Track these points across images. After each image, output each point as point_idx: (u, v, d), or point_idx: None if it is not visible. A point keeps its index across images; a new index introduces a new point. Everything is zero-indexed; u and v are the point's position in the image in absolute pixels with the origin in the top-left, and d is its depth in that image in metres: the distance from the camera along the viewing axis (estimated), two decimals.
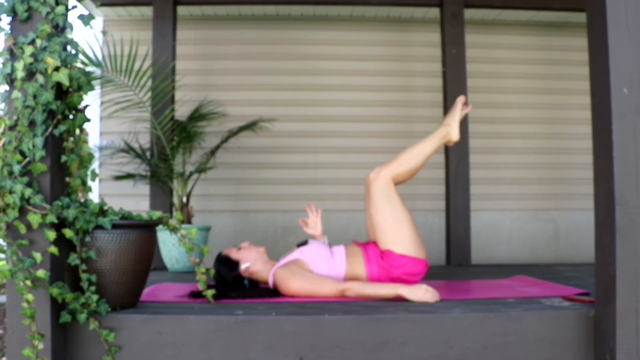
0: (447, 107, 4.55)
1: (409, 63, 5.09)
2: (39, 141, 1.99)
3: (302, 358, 2.04)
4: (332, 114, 5.04)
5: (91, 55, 3.87)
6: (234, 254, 2.70)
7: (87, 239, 2.04)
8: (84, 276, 2.02)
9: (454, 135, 2.76)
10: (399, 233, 2.62)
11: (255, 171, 4.97)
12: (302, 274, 2.55)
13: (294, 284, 2.53)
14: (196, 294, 2.46)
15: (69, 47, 2.07)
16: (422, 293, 2.34)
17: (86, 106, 2.16)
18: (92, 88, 2.15)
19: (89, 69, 3.86)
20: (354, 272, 2.65)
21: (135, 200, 4.58)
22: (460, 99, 2.80)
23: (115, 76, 3.97)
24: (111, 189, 4.75)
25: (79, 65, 2.11)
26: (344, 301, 2.40)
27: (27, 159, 2.00)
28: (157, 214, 2.22)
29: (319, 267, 2.63)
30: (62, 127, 2.04)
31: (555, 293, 2.54)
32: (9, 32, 2.05)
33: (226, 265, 2.64)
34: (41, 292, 1.96)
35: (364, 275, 2.64)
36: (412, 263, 2.61)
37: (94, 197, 4.69)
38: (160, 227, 2.28)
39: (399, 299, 2.36)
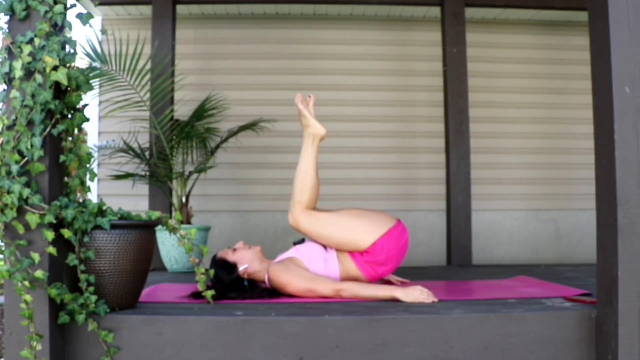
0: (447, 106, 4.54)
1: (409, 62, 5.08)
2: (37, 141, 1.98)
3: (302, 358, 2.03)
4: (332, 113, 5.02)
5: (94, 52, 3.86)
6: (230, 256, 2.67)
7: (86, 239, 2.03)
8: (82, 277, 2.01)
9: (318, 130, 2.66)
10: (357, 235, 2.61)
11: (255, 171, 4.96)
12: (297, 271, 2.54)
13: (288, 280, 2.51)
14: (196, 295, 2.44)
15: (67, 46, 2.06)
16: (417, 294, 2.33)
17: (85, 105, 2.15)
18: (91, 87, 2.14)
19: (94, 64, 3.85)
20: (348, 272, 2.64)
21: (135, 200, 4.56)
22: (297, 99, 2.70)
23: (117, 74, 3.96)
24: (110, 188, 4.74)
25: (84, 61, 2.11)
26: (343, 302, 2.39)
27: (26, 159, 1.99)
28: (156, 214, 2.21)
29: (315, 266, 2.62)
30: (60, 127, 2.03)
31: (557, 293, 2.53)
32: (7, 30, 2.04)
33: (224, 269, 2.61)
34: (39, 293, 1.95)
35: (357, 274, 2.63)
36: (386, 239, 2.60)
37: (93, 197, 4.68)
38: (159, 227, 2.27)
39: (396, 300, 2.35)
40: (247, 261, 2.66)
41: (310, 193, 2.64)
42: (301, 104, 2.69)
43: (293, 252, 2.68)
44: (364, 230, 2.61)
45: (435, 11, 4.86)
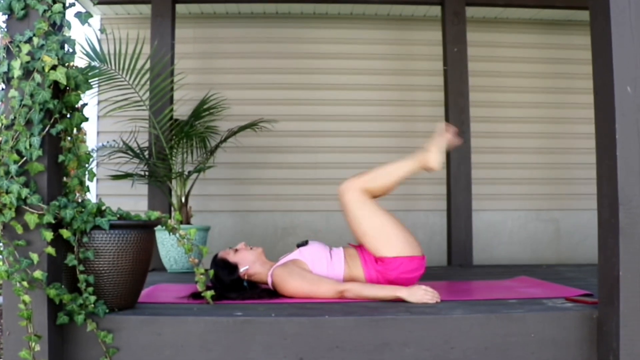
0: (448, 105, 4.52)
1: (410, 61, 5.07)
2: (36, 140, 1.97)
3: (302, 359, 2.02)
4: (332, 113, 5.02)
5: (93, 51, 3.85)
6: (231, 257, 2.65)
7: (85, 239, 2.02)
8: (81, 277, 2.00)
9: (432, 161, 2.61)
10: (386, 239, 2.59)
11: (255, 171, 4.95)
12: (300, 274, 2.53)
13: (293, 284, 2.50)
14: (195, 295, 2.43)
15: (66, 46, 2.05)
16: (421, 294, 2.32)
17: (84, 105, 2.14)
18: (89, 87, 2.13)
19: (93, 64, 3.84)
20: (352, 275, 2.62)
21: (134, 200, 4.55)
22: (441, 126, 2.66)
23: (116, 73, 3.95)
24: (109, 188, 4.73)
25: (83, 61, 2.10)
26: (344, 302, 2.39)
27: (24, 159, 1.98)
28: (155, 214, 2.20)
29: (318, 268, 2.61)
30: (59, 127, 2.03)
31: (558, 294, 2.53)
32: (6, 30, 2.03)
33: (225, 269, 2.60)
34: (38, 293, 1.94)
35: (362, 278, 2.62)
36: (407, 262, 2.59)
37: (92, 197, 4.67)
38: (158, 227, 2.27)
39: (400, 300, 2.34)
40: (248, 262, 2.64)
41: (379, 186, 2.63)
42: (441, 131, 2.66)
43: (296, 254, 2.67)
44: (394, 241, 2.59)
45: (435, 10, 4.85)
